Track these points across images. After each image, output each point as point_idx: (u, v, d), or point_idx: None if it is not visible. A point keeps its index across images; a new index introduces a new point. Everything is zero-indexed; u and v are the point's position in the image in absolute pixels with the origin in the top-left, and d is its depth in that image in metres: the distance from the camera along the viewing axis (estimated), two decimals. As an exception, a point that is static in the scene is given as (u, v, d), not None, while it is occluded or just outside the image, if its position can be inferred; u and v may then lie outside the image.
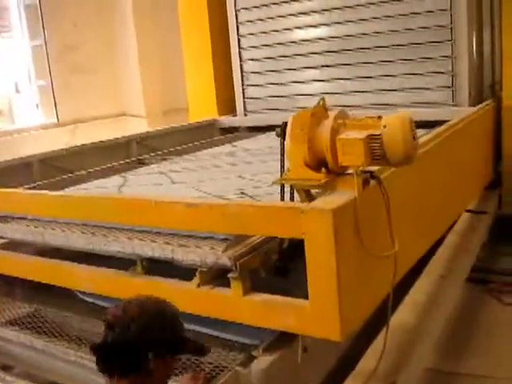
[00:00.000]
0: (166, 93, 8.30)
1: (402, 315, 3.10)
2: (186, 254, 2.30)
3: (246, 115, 6.36)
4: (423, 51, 5.16)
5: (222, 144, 5.53)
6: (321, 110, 2.17)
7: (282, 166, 2.28)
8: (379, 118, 2.05)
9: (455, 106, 5.10)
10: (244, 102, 6.36)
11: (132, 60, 8.35)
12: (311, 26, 5.71)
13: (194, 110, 6.72)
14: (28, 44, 7.85)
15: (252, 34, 6.13)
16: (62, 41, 7.72)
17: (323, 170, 2.11)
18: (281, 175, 2.26)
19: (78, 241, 2.71)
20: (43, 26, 7.52)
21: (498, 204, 5.11)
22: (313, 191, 2.24)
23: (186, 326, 2.58)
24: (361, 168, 2.06)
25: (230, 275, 2.20)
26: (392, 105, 5.38)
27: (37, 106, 8.01)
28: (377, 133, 2.01)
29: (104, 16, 8.30)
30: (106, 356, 1.68)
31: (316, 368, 2.49)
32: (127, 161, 5.04)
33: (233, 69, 6.30)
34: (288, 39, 5.89)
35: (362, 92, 5.54)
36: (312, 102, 5.41)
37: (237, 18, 6.17)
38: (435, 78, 5.17)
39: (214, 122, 6.40)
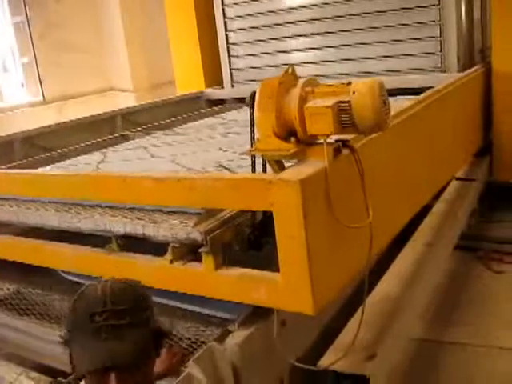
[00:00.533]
0: (154, 66, 8.18)
1: (386, 285, 3.07)
2: (156, 230, 2.25)
3: (233, 86, 6.27)
4: (411, 17, 5.05)
5: (208, 116, 5.45)
6: (290, 78, 2.10)
7: (253, 137, 2.21)
8: (348, 84, 1.98)
9: (444, 71, 5.01)
10: (231, 73, 6.26)
11: (118, 34, 8.21)
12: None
13: (181, 82, 6.62)
14: (10, 21, 7.69)
15: (236, 4, 6.01)
16: (45, 17, 7.57)
17: (292, 139, 2.04)
18: (251, 146, 2.19)
19: (51, 219, 2.66)
20: (24, 3, 7.36)
21: (489, 171, 5.05)
22: (285, 162, 2.18)
23: (165, 301, 2.60)
24: (331, 137, 2.00)
25: (200, 250, 2.15)
26: (379, 72, 5.29)
27: (22, 84, 7.88)
28: (345, 99, 1.94)
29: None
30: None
31: (295, 341, 2.45)
32: (110, 137, 4.96)
33: (218, 39, 6.18)
34: (273, 8, 5.78)
35: (349, 60, 5.45)
36: (299, 72, 5.37)
37: (221, -13, 6.05)
38: (423, 43, 5.08)
39: (201, 95, 6.31)
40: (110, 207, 2.56)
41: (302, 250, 1.87)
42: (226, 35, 6.17)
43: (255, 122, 2.12)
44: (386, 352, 2.54)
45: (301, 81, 2.06)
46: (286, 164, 2.17)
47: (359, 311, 2.38)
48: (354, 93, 1.93)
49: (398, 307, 2.95)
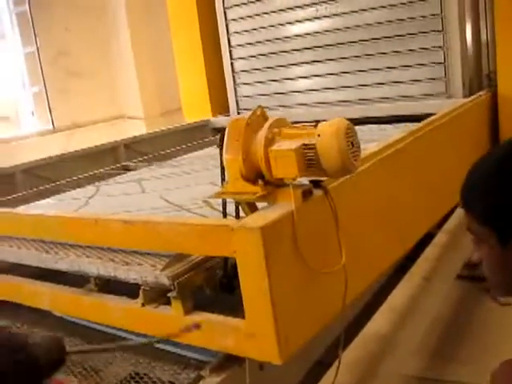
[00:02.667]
0: (164, 93, 8.21)
1: (378, 322, 3.00)
2: (127, 273, 2.21)
3: (239, 114, 6.26)
4: (415, 42, 5.01)
5: (212, 145, 5.43)
6: (258, 118, 2.06)
7: (223, 179, 2.17)
8: (316, 125, 1.94)
9: (449, 97, 4.94)
10: (237, 100, 6.27)
11: (127, 61, 8.27)
12: (299, 22, 5.59)
13: (188, 110, 6.65)
14: (21, 51, 7.81)
15: (241, 32, 6.03)
16: (54, 46, 7.67)
17: (260, 182, 2.00)
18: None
19: (30, 258, 2.64)
20: (34, 33, 7.47)
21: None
22: (258, 204, 2.14)
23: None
24: (297, 180, 1.95)
25: (169, 294, 2.10)
26: (383, 98, 5.25)
27: (32, 113, 7.98)
28: (311, 142, 1.89)
29: (96, 18, 8.23)
30: None
31: (275, 386, 2.39)
32: (112, 167, 4.98)
33: (224, 68, 6.20)
34: (277, 35, 5.78)
35: (352, 87, 5.41)
36: (305, 99, 5.32)
37: (225, 16, 6.08)
38: (427, 69, 5.02)
39: (207, 123, 6.31)
40: (89, 246, 2.53)
41: (266, 297, 1.82)
42: (232, 63, 6.19)
43: (224, 164, 2.08)
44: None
45: (268, 122, 2.01)
46: (260, 206, 2.13)
47: (339, 358, 2.30)
48: (319, 135, 1.88)
49: (390, 344, 2.88)
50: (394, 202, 2.79)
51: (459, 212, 4.44)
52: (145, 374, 2.44)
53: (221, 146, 2.10)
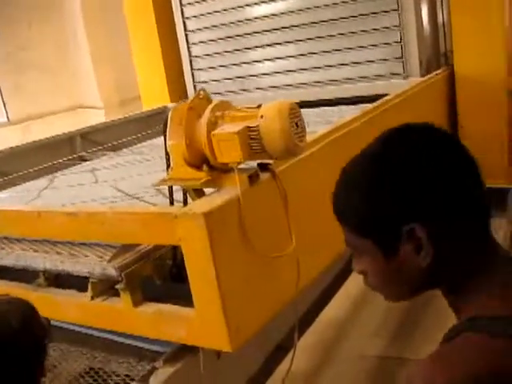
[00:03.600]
0: (122, 82, 8.06)
1: (332, 310, 2.97)
2: (73, 265, 2.14)
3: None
4: (371, 22, 4.97)
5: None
6: (201, 102, 2.00)
7: (168, 165, 2.11)
8: (258, 107, 1.89)
9: (406, 77, 4.93)
10: (195, 86, 6.16)
11: (83, 51, 8.09)
12: (256, 4, 5.51)
13: (146, 97, 6.51)
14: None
15: (198, 16, 5.92)
16: (11, 41, 7.45)
17: (205, 167, 1.95)
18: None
19: (-25, 255, 2.54)
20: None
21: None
22: (207, 190, 2.08)
23: (98, 334, 2.49)
24: (243, 164, 1.90)
25: (117, 286, 2.04)
26: (340, 80, 5.22)
27: (-15, 107, 7.78)
28: (254, 124, 1.84)
29: (53, 14, 8.00)
30: None
31: (234, 374, 2.35)
32: (68, 158, 4.86)
33: (181, 53, 6.09)
34: (233, 19, 5.69)
35: (311, 69, 5.36)
36: (263, 83, 5.22)
37: (180, 1, 5.95)
38: (383, 49, 4.99)
39: (165, 110, 6.19)
40: (36, 240, 2.45)
41: (213, 286, 1.77)
42: (188, 48, 6.07)
43: (168, 150, 2.02)
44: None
45: (211, 105, 1.96)
46: (208, 191, 2.07)
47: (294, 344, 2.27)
48: (261, 117, 1.84)
49: (348, 328, 2.86)
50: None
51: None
52: (100, 369, 2.39)
53: (164, 132, 2.04)
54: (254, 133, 1.83)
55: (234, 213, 1.85)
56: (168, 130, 1.98)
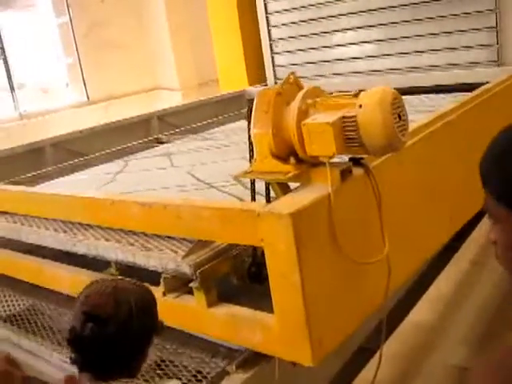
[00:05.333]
0: (201, 63, 7.95)
1: (420, 312, 2.75)
2: (146, 260, 2.01)
3: (276, 84, 5.97)
4: (464, 5, 4.63)
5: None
6: (291, 87, 1.81)
7: (252, 156, 1.93)
8: (356, 95, 1.68)
9: (500, 65, 4.58)
10: (274, 70, 5.97)
11: (163, 31, 8.03)
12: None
13: (224, 81, 6.40)
14: (54, 22, 7.64)
15: (279, -2, 5.72)
16: (89, 17, 7.48)
17: (292, 160, 1.76)
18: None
19: (48, 240, 2.47)
20: (67, 3, 7.28)
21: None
22: (291, 184, 1.90)
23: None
24: (334, 158, 1.70)
25: (191, 284, 1.90)
26: (430, 67, 4.91)
27: (67, 84, 7.83)
28: (351, 114, 1.64)
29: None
30: (86, 352, 1.44)
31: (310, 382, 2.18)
32: (145, 140, 4.80)
33: (261, 35, 5.91)
34: (315, 1, 5.45)
35: (396, 54, 5.06)
36: (347, 67, 4.98)
37: (262, -17, 5.77)
38: (477, 35, 4.65)
39: (244, 93, 6.04)
40: (110, 228, 2.34)
41: (297, 291, 1.59)
42: (269, 31, 5.89)
43: (252, 140, 1.84)
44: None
45: (302, 91, 1.76)
46: (293, 186, 1.89)
47: (379, 352, 2.07)
48: (360, 106, 1.63)
49: (434, 334, 2.64)
50: (444, 180, 2.50)
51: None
52: (170, 361, 2.27)
53: (249, 119, 1.87)
54: (351, 124, 1.63)
55: (323, 213, 1.66)
56: (253, 117, 1.80)
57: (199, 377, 2.11)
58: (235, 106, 5.79)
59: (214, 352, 2.23)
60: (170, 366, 2.23)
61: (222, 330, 1.89)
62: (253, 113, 1.81)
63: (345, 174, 1.76)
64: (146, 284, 2.16)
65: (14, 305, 3.03)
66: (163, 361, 2.27)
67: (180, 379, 2.14)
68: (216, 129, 4.76)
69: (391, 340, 2.60)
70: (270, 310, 1.76)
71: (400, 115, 1.66)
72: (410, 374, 2.50)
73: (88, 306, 1.44)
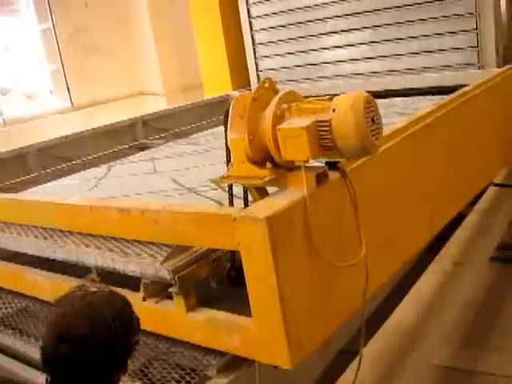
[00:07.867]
0: (184, 69, 7.96)
1: (403, 313, 2.77)
2: (125, 265, 2.02)
3: (260, 88, 5.98)
4: (444, 9, 4.68)
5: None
6: (266, 93, 1.83)
7: (229, 161, 1.94)
8: (330, 99, 1.70)
9: (481, 67, 4.62)
10: (258, 74, 6.00)
11: (147, 37, 8.02)
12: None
13: (208, 86, 6.41)
14: (37, 28, 7.61)
15: (261, 2, 5.74)
16: (72, 23, 7.46)
17: (268, 165, 1.77)
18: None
19: (28, 246, 2.47)
20: (50, 9, 7.25)
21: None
22: (269, 189, 1.91)
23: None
24: (309, 162, 1.72)
25: (170, 290, 1.91)
26: (412, 69, 4.95)
27: (50, 91, 7.80)
28: (325, 118, 1.66)
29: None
30: (58, 369, 1.42)
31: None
32: (130, 145, 4.81)
33: (244, 40, 5.93)
34: (299, 4, 5.48)
35: (379, 57, 5.10)
36: (330, 71, 4.99)
37: (245, -14, 5.79)
38: (457, 37, 4.69)
39: (228, 98, 6.05)
40: (90, 234, 2.34)
41: (274, 295, 1.61)
42: (252, 35, 5.92)
43: (228, 145, 1.86)
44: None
45: (277, 96, 1.78)
46: (272, 190, 1.90)
47: (360, 354, 2.08)
48: (334, 110, 1.65)
49: (416, 334, 2.66)
50: (422, 183, 2.53)
51: (492, 191, 4.16)
52: (164, 360, 2.26)
53: (225, 124, 1.88)
54: (325, 128, 1.65)
55: (299, 217, 1.67)
56: (229, 122, 1.81)
57: (192, 374, 2.11)
58: (219, 111, 5.79)
59: (207, 350, 2.23)
60: (164, 365, 2.22)
61: (202, 335, 1.90)
62: (229, 118, 1.82)
63: (320, 177, 1.77)
64: (125, 290, 2.18)
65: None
66: (156, 359, 2.27)
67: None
68: (200, 133, 4.77)
69: (374, 341, 2.62)
70: (250, 313, 1.78)
71: (373, 119, 1.68)
72: (392, 374, 2.52)
73: (61, 326, 1.40)
